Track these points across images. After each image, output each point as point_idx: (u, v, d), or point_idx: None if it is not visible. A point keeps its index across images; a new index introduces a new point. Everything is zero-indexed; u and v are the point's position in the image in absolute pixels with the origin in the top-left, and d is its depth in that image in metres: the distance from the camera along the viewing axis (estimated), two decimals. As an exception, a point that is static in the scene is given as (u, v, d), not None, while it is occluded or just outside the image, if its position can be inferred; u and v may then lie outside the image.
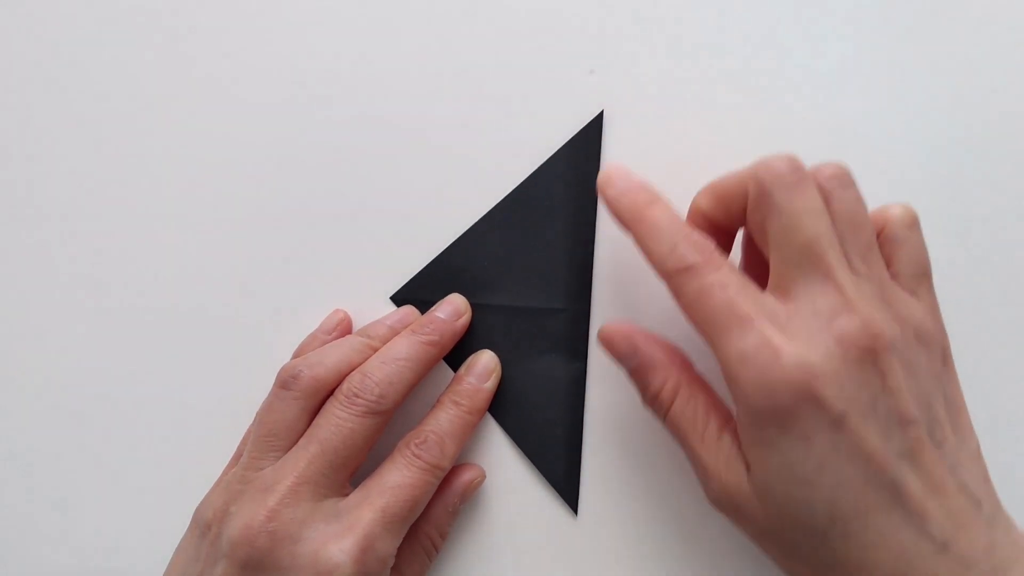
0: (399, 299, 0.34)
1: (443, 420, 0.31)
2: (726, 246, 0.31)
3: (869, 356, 0.25)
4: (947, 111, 0.34)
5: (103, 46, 0.36)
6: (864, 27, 0.34)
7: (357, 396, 0.29)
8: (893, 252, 0.28)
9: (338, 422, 0.29)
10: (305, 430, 0.30)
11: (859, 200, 0.27)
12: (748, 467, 0.26)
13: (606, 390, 0.33)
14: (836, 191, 0.27)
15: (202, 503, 0.31)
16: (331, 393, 0.30)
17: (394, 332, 0.32)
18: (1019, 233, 0.34)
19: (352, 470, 0.30)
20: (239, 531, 0.27)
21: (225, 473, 0.32)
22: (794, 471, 0.25)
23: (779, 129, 0.34)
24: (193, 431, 0.34)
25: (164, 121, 0.36)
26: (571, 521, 0.33)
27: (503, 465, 0.33)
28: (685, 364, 0.29)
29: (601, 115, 0.34)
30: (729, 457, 0.27)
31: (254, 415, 0.32)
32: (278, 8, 0.36)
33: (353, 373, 0.30)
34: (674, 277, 0.27)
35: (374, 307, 0.34)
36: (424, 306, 0.34)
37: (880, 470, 0.24)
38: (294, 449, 0.29)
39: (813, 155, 0.34)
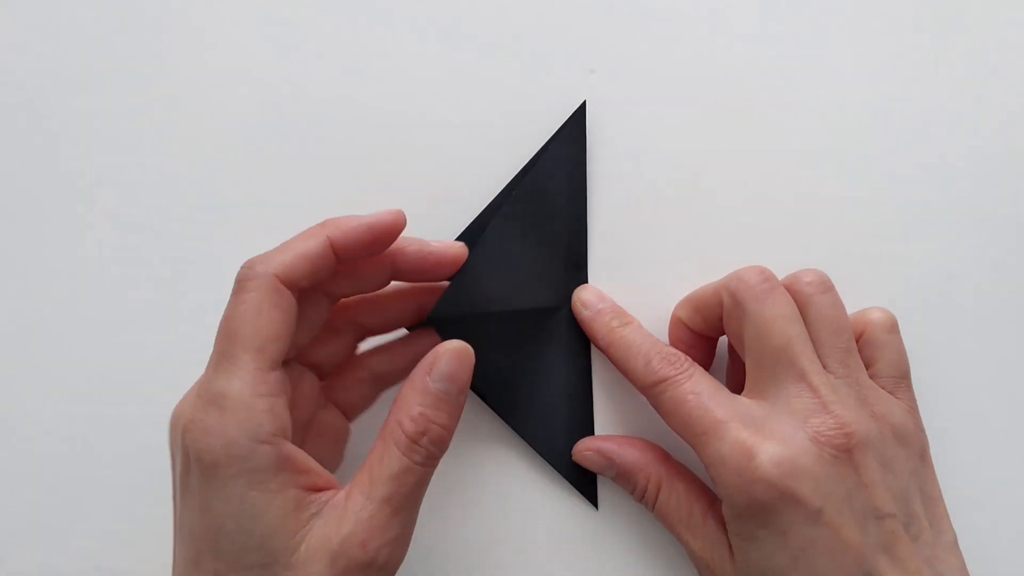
0: None
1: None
2: (708, 352, 0.33)
3: (844, 453, 0.26)
4: (952, 111, 0.34)
5: (100, 42, 0.36)
6: (866, 25, 0.34)
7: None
8: (873, 354, 0.30)
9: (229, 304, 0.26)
10: (267, 326, 0.25)
11: (837, 305, 0.29)
12: (731, 551, 0.28)
13: (612, 383, 0.34)
14: (814, 297, 0.29)
15: None
16: (293, 287, 0.26)
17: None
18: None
19: (279, 350, 0.26)
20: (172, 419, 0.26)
21: None
22: (772, 562, 0.26)
23: (780, 129, 0.34)
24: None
25: (166, 131, 0.35)
26: (592, 514, 0.33)
27: (523, 461, 0.33)
28: (661, 457, 0.31)
29: (584, 106, 0.34)
30: (714, 541, 0.29)
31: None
32: (280, 4, 0.35)
33: None
34: (650, 390, 0.29)
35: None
36: None
37: (856, 562, 0.26)
38: None
39: (814, 155, 0.34)
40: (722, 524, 0.29)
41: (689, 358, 0.29)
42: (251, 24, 0.35)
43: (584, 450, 0.32)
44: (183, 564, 0.25)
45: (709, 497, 0.30)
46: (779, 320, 0.28)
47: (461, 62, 0.35)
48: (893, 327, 0.30)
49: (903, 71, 0.34)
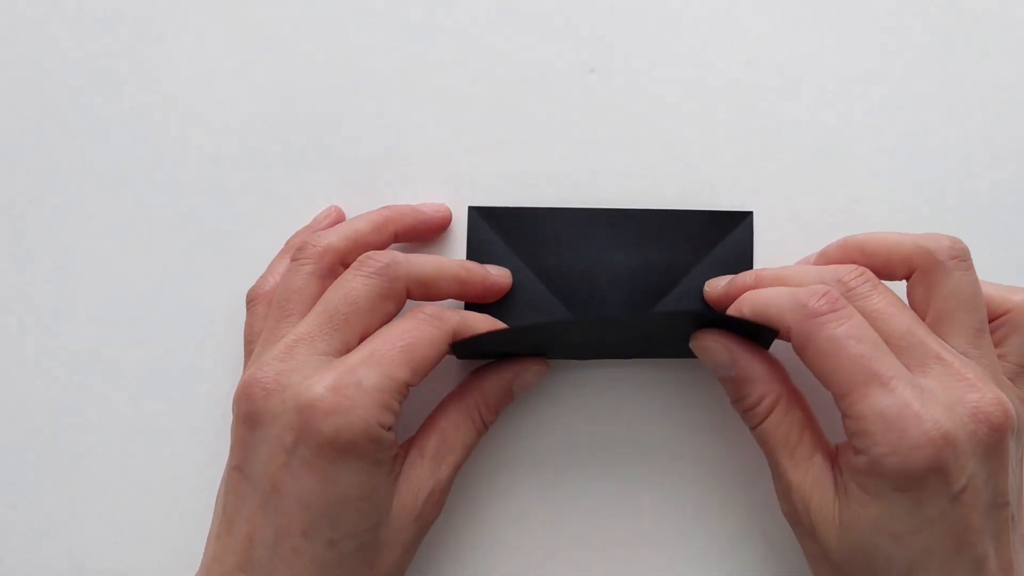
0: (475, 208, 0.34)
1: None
2: None
3: (997, 434, 0.25)
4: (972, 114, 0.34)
5: (98, 42, 0.36)
6: (871, 25, 0.34)
7: (369, 259, 0.29)
8: (1008, 338, 0.29)
9: (342, 283, 0.29)
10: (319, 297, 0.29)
11: (975, 283, 0.28)
12: (839, 495, 0.27)
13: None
14: (954, 272, 0.27)
15: None
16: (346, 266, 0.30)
17: (414, 211, 0.33)
18: None
19: (358, 334, 0.29)
20: (240, 389, 0.28)
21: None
22: (891, 525, 0.25)
23: (781, 129, 0.34)
24: (194, 431, 0.34)
25: (166, 130, 0.36)
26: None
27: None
28: (784, 377, 0.29)
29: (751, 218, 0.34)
30: (818, 479, 0.27)
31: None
32: (307, 12, 0.36)
33: (361, 255, 0.30)
34: (803, 325, 0.26)
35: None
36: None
37: (972, 545, 0.25)
38: (291, 321, 0.29)
39: (816, 155, 0.34)
40: (831, 462, 0.27)
41: (844, 298, 0.27)
42: (263, 21, 0.36)
43: (707, 340, 0.29)
44: (288, 535, 0.26)
45: (820, 432, 0.28)
46: (891, 308, 0.27)
47: (460, 61, 0.35)
48: None
49: (903, 70, 0.34)
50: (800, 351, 0.27)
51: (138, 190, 0.35)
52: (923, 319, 0.28)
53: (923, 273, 0.28)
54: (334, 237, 0.30)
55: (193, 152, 0.35)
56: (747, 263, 0.33)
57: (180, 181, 0.35)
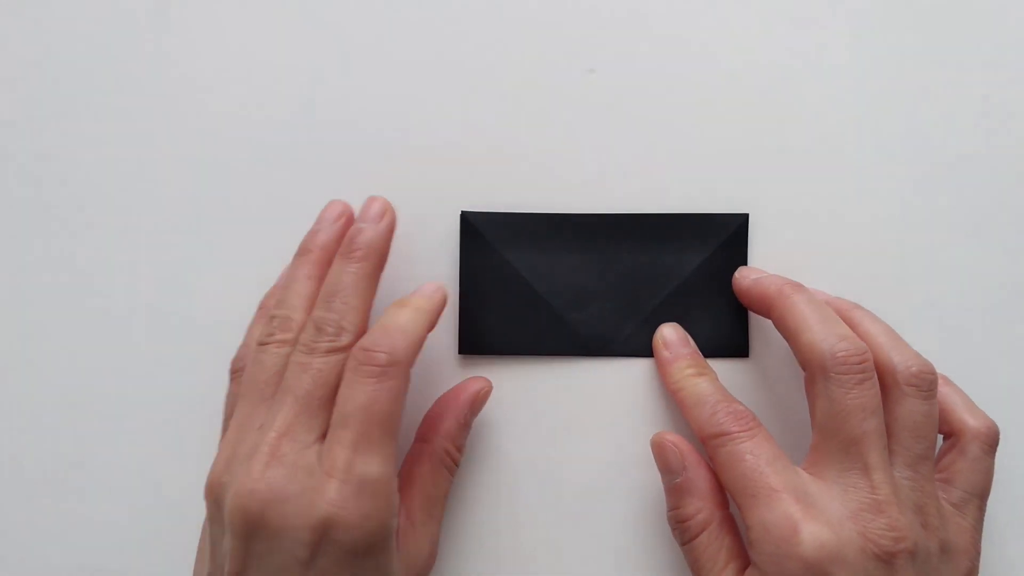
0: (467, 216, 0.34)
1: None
2: None
3: (887, 556, 0.26)
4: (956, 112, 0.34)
5: (97, 42, 0.36)
6: (869, 24, 0.34)
7: (316, 342, 0.28)
8: (957, 464, 0.30)
9: (303, 367, 0.28)
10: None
11: (931, 414, 0.29)
12: None
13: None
14: (910, 399, 0.28)
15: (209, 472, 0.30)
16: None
17: (329, 237, 0.31)
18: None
19: (331, 409, 0.28)
20: (232, 501, 0.27)
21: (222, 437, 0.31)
22: None
23: (780, 128, 0.34)
24: (195, 431, 0.34)
25: (168, 132, 0.35)
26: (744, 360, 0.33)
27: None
28: (722, 501, 0.30)
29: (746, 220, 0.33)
30: None
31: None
32: (303, 13, 0.35)
33: (307, 325, 0.29)
34: (710, 441, 0.29)
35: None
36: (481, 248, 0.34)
37: None
38: (267, 405, 0.28)
39: (816, 156, 0.34)
40: None
41: (757, 419, 0.29)
42: (265, 22, 0.36)
43: (666, 441, 0.30)
44: None
45: (746, 560, 0.29)
46: (858, 412, 0.27)
47: (460, 61, 0.35)
48: (991, 445, 0.30)
49: (900, 72, 0.34)
50: (711, 462, 0.30)
51: (139, 195, 0.35)
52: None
53: (883, 388, 0.29)
54: (294, 318, 0.30)
55: (192, 151, 0.35)
56: (742, 265, 0.33)
57: (179, 181, 0.35)
